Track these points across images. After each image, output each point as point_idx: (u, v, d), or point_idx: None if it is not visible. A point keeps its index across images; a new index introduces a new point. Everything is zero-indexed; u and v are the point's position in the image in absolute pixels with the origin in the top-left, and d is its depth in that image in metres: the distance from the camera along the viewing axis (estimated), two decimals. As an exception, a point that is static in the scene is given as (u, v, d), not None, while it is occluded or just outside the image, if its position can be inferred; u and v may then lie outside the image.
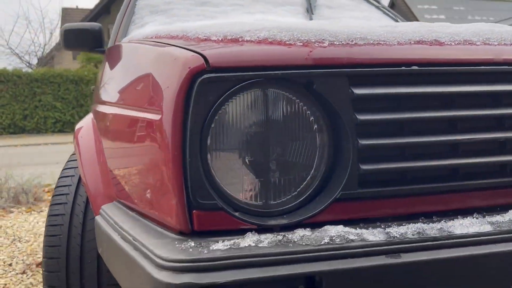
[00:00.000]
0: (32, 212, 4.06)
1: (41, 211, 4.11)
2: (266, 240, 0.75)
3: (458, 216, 0.87)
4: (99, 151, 1.26)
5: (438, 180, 0.88)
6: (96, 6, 18.63)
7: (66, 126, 13.99)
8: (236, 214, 0.80)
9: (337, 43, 0.88)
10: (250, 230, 0.79)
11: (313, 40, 0.88)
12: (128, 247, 0.84)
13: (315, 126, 0.84)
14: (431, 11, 21.17)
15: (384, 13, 2.67)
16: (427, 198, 0.88)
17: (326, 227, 0.79)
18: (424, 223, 0.83)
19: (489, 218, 0.85)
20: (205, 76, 0.77)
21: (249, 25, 1.08)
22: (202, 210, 0.78)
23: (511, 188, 0.92)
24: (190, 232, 0.78)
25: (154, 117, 0.83)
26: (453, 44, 0.94)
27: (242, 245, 0.74)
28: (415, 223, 0.83)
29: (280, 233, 0.78)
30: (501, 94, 0.93)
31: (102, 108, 1.26)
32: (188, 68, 0.78)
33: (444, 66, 0.90)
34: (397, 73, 0.86)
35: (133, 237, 0.85)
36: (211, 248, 0.73)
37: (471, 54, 0.93)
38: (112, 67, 1.55)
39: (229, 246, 0.74)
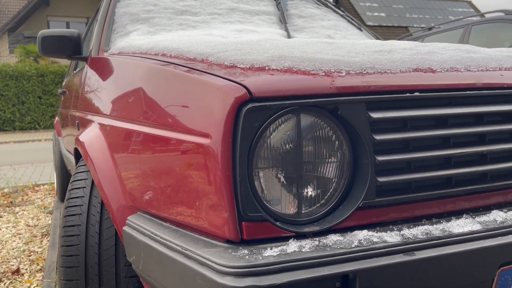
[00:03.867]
0: (-8, 218, 3.93)
1: (0, 217, 3.99)
2: (307, 246, 0.89)
3: (452, 218, 1.04)
4: (115, 165, 1.33)
5: (436, 188, 1.06)
6: (34, -3, 17.72)
7: (6, 125, 13.30)
8: (278, 223, 0.92)
9: (352, 73, 1.03)
10: (289, 237, 0.92)
11: (333, 70, 1.02)
12: (178, 256, 0.95)
13: (339, 146, 0.98)
14: (373, 8, 22.02)
15: (349, 21, 2.87)
16: (427, 203, 1.05)
17: (354, 232, 0.94)
18: (428, 225, 1.00)
19: (477, 218, 1.04)
20: (250, 105, 0.89)
21: (262, 47, 1.20)
22: (250, 222, 0.90)
23: (490, 193, 1.12)
24: (239, 241, 0.90)
25: (202, 140, 0.93)
26: (443, 71, 1.11)
27: (288, 251, 0.87)
28: (421, 225, 0.99)
29: (315, 239, 0.92)
30: (482, 115, 1.11)
31: (120, 124, 1.33)
32: (234, 98, 0.90)
33: (438, 92, 1.07)
34: (403, 99, 1.02)
35: (182, 247, 0.95)
36: (264, 254, 0.85)
37: (458, 80, 1.11)
38: (114, 80, 1.61)
39: (278, 252, 0.86)
